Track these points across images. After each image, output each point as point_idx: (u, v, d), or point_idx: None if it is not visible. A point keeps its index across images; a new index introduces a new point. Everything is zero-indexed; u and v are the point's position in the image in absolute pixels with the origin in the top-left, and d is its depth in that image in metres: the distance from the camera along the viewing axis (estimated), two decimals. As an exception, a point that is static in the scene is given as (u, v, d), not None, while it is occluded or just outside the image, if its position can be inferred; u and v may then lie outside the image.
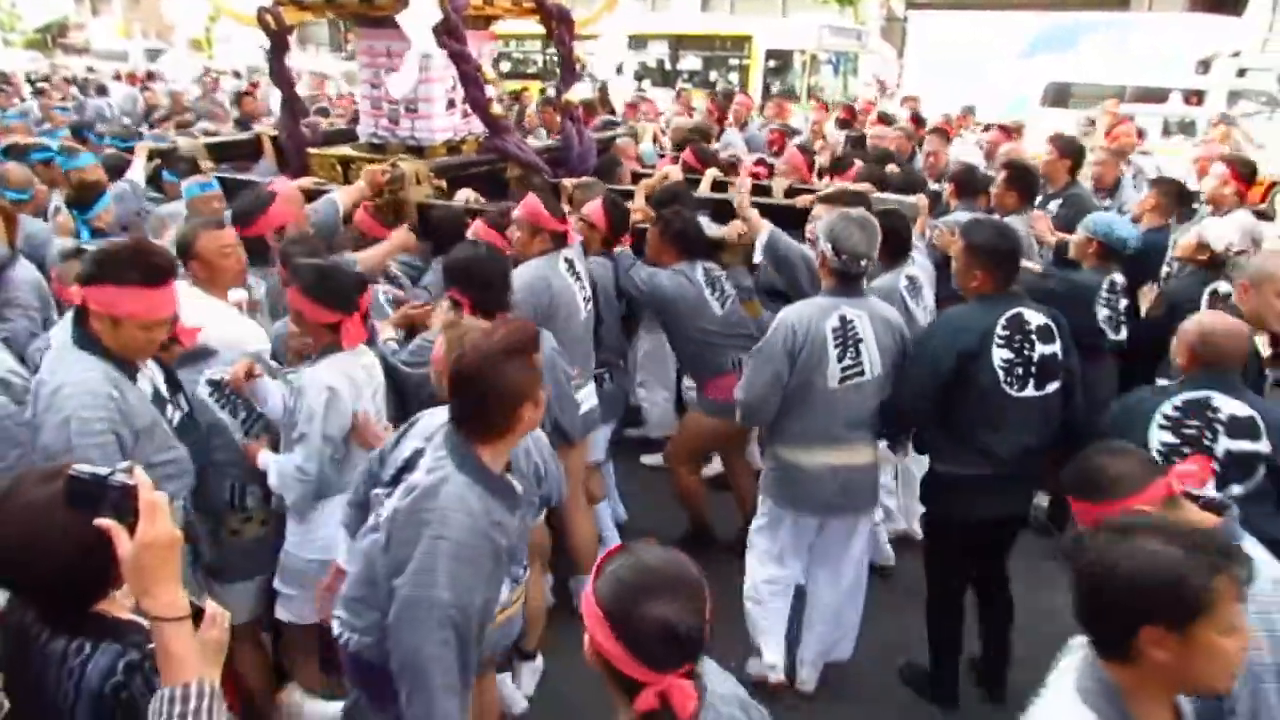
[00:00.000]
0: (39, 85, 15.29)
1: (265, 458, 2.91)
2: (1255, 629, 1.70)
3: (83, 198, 4.75)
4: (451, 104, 5.61)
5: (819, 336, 3.26)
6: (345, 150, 5.83)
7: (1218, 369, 2.85)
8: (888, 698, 3.71)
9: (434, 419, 2.35)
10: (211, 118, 8.92)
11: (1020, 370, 3.11)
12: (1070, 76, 17.26)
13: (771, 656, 3.59)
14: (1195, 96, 15.36)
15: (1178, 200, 5.06)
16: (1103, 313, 4.22)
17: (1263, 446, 2.70)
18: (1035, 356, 3.12)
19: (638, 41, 21.56)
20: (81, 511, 1.52)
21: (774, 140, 7.99)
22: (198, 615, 1.56)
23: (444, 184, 5.04)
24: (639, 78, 20.38)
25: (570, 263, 3.89)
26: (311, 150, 5.86)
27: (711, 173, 5.38)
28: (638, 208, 4.49)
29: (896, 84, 21.12)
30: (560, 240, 3.86)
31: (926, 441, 3.43)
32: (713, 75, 20.09)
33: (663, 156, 6.83)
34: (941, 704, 3.56)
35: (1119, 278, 4.27)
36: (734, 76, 19.69)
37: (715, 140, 7.69)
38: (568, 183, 5.07)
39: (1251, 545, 1.87)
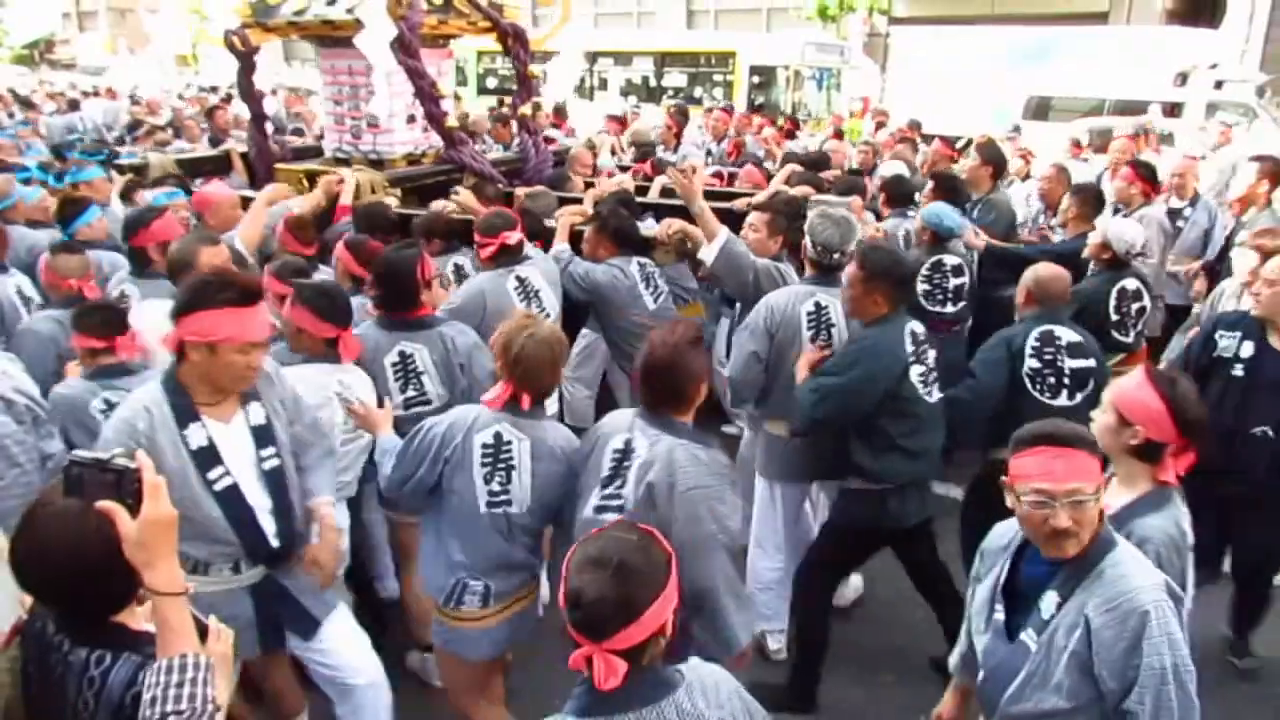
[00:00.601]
0: (27, 101, 15.30)
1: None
2: (1157, 633, 1.89)
3: (66, 213, 4.90)
4: (412, 119, 5.97)
5: (794, 318, 3.58)
6: (311, 165, 6.14)
7: (1050, 305, 3.66)
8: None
9: (611, 425, 2.71)
10: (185, 133, 8.98)
11: (930, 378, 3.41)
12: (1050, 90, 17.35)
13: (776, 644, 3.90)
14: (1174, 109, 15.49)
15: (1097, 207, 5.32)
16: (921, 287, 4.77)
17: (1092, 363, 3.51)
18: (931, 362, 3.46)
19: (623, 58, 21.75)
20: (81, 496, 1.62)
21: (731, 151, 8.39)
22: (203, 633, 1.66)
23: (399, 193, 5.37)
24: (624, 94, 20.56)
25: (522, 280, 4.08)
26: (279, 165, 6.17)
27: (660, 180, 5.70)
28: (579, 210, 4.79)
29: (880, 99, 21.26)
30: (514, 254, 4.10)
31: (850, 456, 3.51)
32: (698, 91, 20.32)
33: (624, 168, 7.19)
34: (801, 707, 3.59)
35: (947, 259, 4.83)
36: (719, 92, 19.86)
37: (672, 152, 7.86)
38: (520, 192, 5.37)
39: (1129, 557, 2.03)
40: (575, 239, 4.57)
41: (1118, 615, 1.91)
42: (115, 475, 1.62)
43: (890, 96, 20.91)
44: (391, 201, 5.18)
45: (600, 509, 2.56)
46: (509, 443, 2.69)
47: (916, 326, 3.41)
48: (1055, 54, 18.98)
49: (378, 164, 5.90)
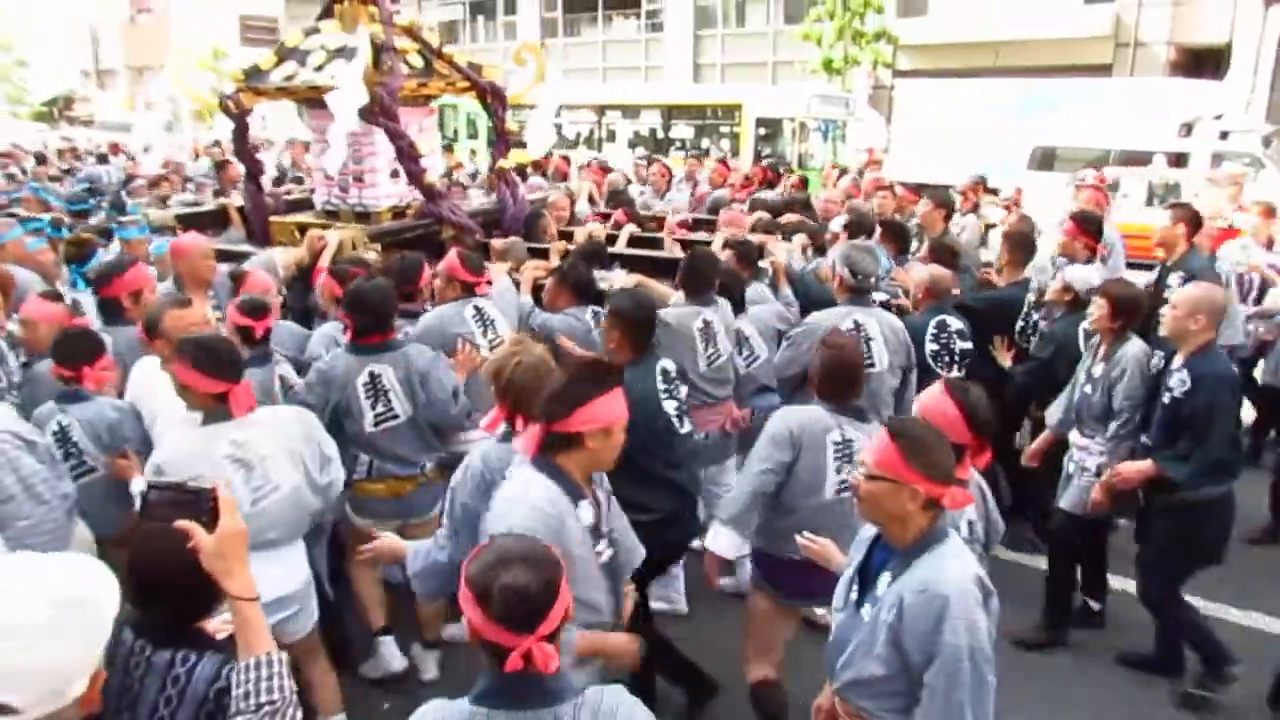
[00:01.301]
0: (38, 156, 15.82)
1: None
2: (957, 616, 2.16)
3: (79, 253, 5.53)
4: (395, 173, 6.33)
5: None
6: (302, 217, 6.55)
7: (941, 299, 4.86)
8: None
9: (809, 422, 3.26)
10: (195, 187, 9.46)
11: (683, 411, 3.71)
12: (1056, 141, 17.48)
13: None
14: (1179, 159, 15.56)
15: (1029, 254, 5.58)
16: (930, 347, 4.95)
17: (970, 345, 4.66)
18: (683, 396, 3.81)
19: (631, 111, 22.17)
20: (161, 518, 1.81)
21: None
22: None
23: (379, 248, 5.68)
24: (632, 145, 20.99)
25: (479, 310, 4.50)
26: (274, 218, 6.58)
27: (628, 229, 6.14)
28: (543, 265, 5.11)
29: (885, 150, 21.46)
30: (470, 290, 4.53)
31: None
32: (704, 143, 20.63)
33: (605, 215, 7.56)
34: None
35: (950, 321, 4.97)
36: (725, 144, 20.17)
37: (660, 199, 8.11)
38: (495, 243, 5.76)
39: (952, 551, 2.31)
40: (538, 290, 4.96)
41: (925, 597, 2.19)
42: (192, 496, 1.83)
43: (895, 147, 21.13)
44: (371, 256, 5.47)
45: (840, 491, 3.18)
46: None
47: (668, 364, 3.74)
48: (1060, 105, 19.20)
49: (364, 216, 6.28)
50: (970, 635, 2.16)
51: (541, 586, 1.76)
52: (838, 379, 3.31)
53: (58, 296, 4.39)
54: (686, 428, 3.70)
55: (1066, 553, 4.46)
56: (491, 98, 6.64)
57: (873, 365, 4.27)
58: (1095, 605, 4.59)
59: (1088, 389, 4.30)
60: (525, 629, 1.73)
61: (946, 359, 4.74)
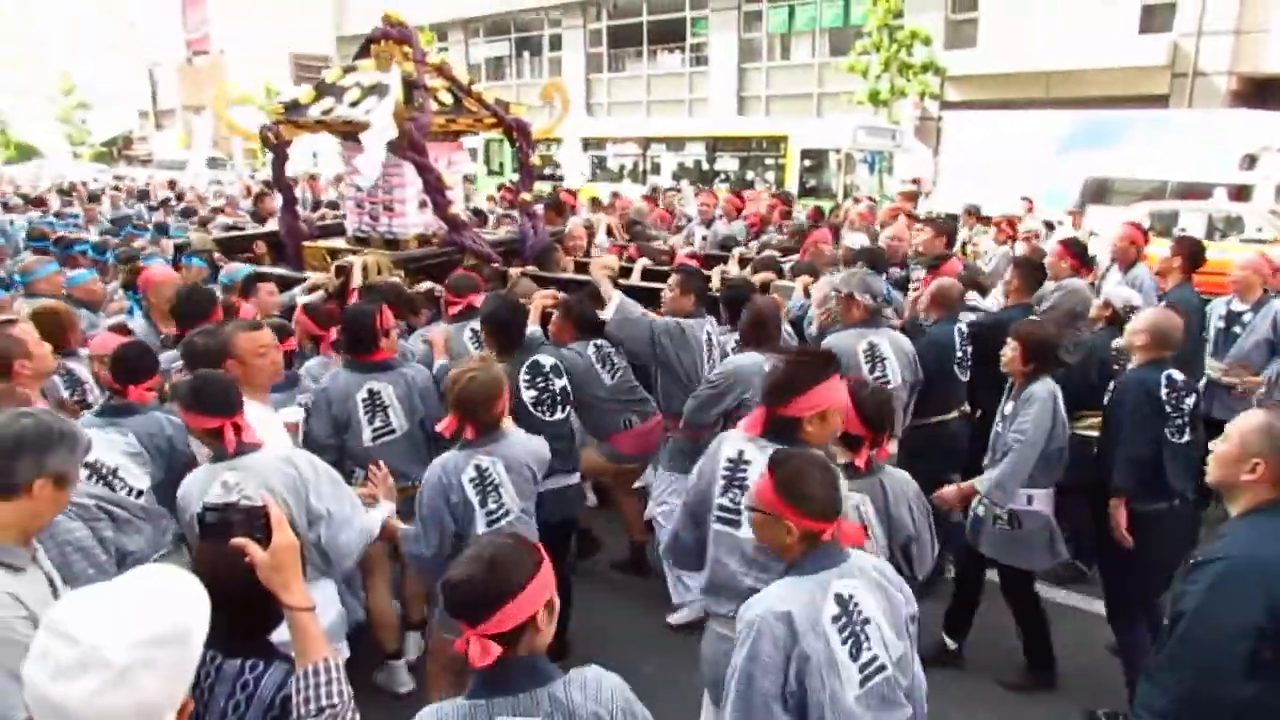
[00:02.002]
0: (95, 195, 16.75)
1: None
2: (743, 640, 2.31)
3: (133, 281, 5.95)
4: (423, 204, 6.74)
5: (854, 357, 4.63)
6: (334, 243, 7.05)
7: (952, 308, 5.15)
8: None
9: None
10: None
11: (548, 400, 4.32)
12: (1110, 173, 17.24)
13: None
14: (1240, 192, 15.24)
15: (1038, 280, 5.82)
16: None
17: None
18: (556, 389, 4.40)
19: (675, 143, 22.39)
20: (216, 537, 1.93)
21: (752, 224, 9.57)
22: None
23: (403, 273, 6.05)
24: (676, 178, 21.18)
25: (475, 332, 4.84)
26: (306, 243, 7.09)
27: (642, 262, 6.53)
28: (550, 294, 5.37)
29: (933, 182, 21.35)
30: (474, 312, 4.90)
31: None
32: (749, 175, 20.72)
33: (622, 248, 7.97)
34: None
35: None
36: (770, 175, 20.20)
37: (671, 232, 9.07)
38: (513, 271, 6.21)
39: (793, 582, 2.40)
40: (546, 320, 5.21)
41: (739, 623, 2.37)
42: (244, 514, 1.96)
43: (943, 179, 21.00)
44: (395, 278, 5.84)
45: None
46: (488, 469, 3.41)
47: (542, 358, 4.39)
48: (1114, 137, 18.88)
49: (392, 243, 6.71)
50: (746, 661, 2.27)
51: (491, 586, 1.88)
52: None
53: (127, 330, 4.66)
54: (552, 416, 4.38)
55: (1025, 594, 4.50)
56: (517, 134, 6.96)
57: (888, 382, 4.56)
58: (952, 645, 4.63)
59: (999, 427, 4.36)
60: (469, 621, 1.88)
61: (965, 364, 5.17)
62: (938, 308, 5.21)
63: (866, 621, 2.35)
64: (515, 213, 7.84)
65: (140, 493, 3.24)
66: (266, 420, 3.62)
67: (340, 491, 3.23)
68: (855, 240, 7.11)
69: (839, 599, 2.32)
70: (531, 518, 3.62)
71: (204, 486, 3.04)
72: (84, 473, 2.95)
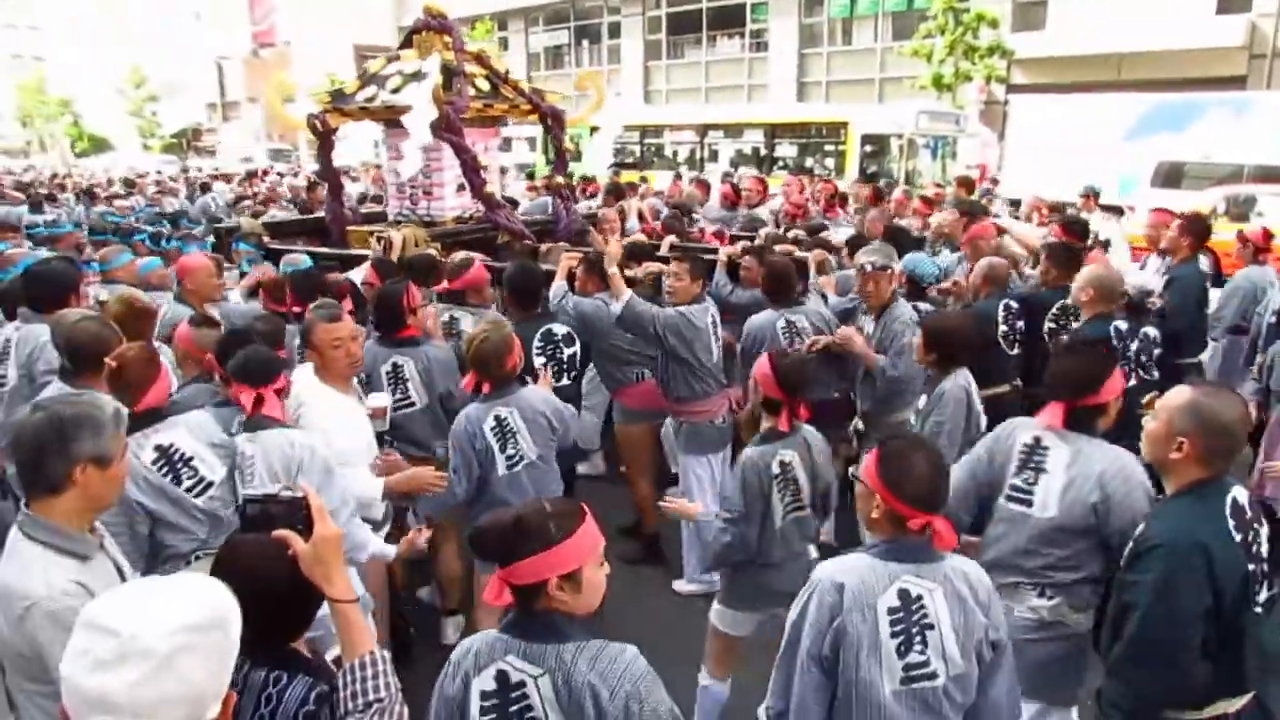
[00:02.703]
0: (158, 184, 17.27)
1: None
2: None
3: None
4: (461, 187, 7.20)
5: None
6: (376, 226, 7.46)
7: (1003, 286, 5.29)
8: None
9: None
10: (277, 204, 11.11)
11: (555, 367, 4.77)
12: (1183, 156, 16.82)
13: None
14: (1322, 175, 14.81)
15: (1068, 264, 5.81)
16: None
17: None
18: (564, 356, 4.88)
19: (733, 130, 22.45)
20: (258, 529, 1.93)
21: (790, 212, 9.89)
22: None
23: (439, 246, 6.45)
24: (735, 165, 21.32)
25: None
26: (351, 227, 7.57)
27: (670, 239, 6.89)
28: (574, 254, 5.73)
29: (998, 167, 21.00)
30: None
31: None
32: (808, 161, 20.63)
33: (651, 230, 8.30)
34: None
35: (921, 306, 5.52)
36: (830, 162, 20.12)
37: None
38: (542, 247, 6.62)
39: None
40: (573, 276, 5.57)
41: None
42: (285, 506, 1.96)
43: (1008, 165, 20.67)
44: (431, 252, 6.22)
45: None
46: (505, 418, 3.86)
47: (556, 326, 4.94)
48: (1189, 121, 18.41)
49: (430, 225, 7.12)
50: (797, 617, 2.49)
51: (513, 537, 2.00)
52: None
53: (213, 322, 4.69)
54: (562, 381, 4.79)
55: None
56: (552, 121, 7.37)
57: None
58: None
59: (913, 421, 4.45)
60: (499, 561, 2.03)
61: (1012, 338, 5.38)
62: (988, 285, 5.46)
63: (929, 627, 2.35)
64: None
65: (210, 484, 3.17)
66: (346, 409, 3.83)
67: (330, 482, 3.25)
68: (844, 233, 7.47)
69: (903, 594, 2.35)
70: (550, 465, 4.02)
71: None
72: (151, 455, 3.04)
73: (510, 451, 3.86)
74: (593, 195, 12.24)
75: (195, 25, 52.55)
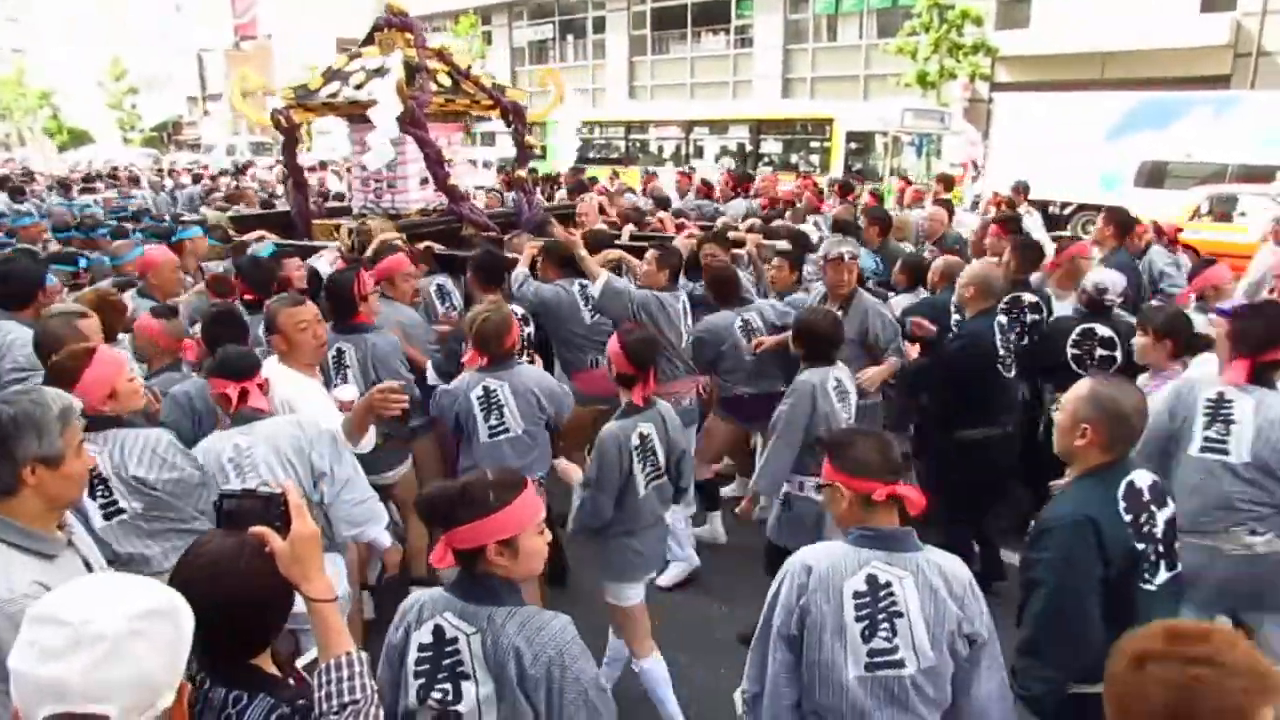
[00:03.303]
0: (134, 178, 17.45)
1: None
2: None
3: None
4: (424, 180, 7.37)
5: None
6: (340, 221, 7.60)
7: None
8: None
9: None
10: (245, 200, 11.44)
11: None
12: (1166, 155, 16.86)
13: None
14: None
15: (1036, 260, 6.17)
16: None
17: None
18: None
19: (719, 126, 22.53)
20: (234, 525, 1.91)
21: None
22: None
23: (404, 237, 6.59)
24: (719, 161, 21.51)
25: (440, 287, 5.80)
26: (316, 220, 7.71)
27: (629, 228, 7.22)
28: (536, 243, 6.00)
29: (982, 165, 21.04)
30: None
31: None
32: (793, 158, 20.69)
33: (612, 222, 8.57)
34: None
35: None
36: (815, 158, 20.20)
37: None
38: (506, 237, 6.73)
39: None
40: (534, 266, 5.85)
41: None
42: (262, 502, 1.93)
43: (993, 162, 20.75)
44: (397, 240, 6.35)
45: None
46: (494, 390, 4.18)
47: (516, 306, 5.19)
48: (1172, 119, 18.46)
49: (395, 218, 7.28)
50: (771, 596, 2.61)
51: (454, 503, 2.15)
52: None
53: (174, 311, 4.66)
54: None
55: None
56: (513, 115, 7.58)
57: None
58: None
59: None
60: (439, 526, 2.20)
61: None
62: (979, 298, 5.75)
63: (897, 614, 2.39)
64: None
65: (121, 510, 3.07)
66: (313, 391, 3.89)
67: (339, 452, 3.43)
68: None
69: (871, 579, 2.41)
70: (536, 441, 4.33)
71: (219, 450, 3.28)
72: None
73: (494, 422, 4.19)
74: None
75: (176, 17, 52.36)
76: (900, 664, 2.38)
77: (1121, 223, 6.88)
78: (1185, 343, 4.25)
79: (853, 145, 20.09)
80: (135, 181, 17.79)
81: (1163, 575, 2.75)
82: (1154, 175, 17.23)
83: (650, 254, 5.45)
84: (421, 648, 2.19)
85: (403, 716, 2.23)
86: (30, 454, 2.16)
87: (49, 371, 3.04)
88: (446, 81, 7.19)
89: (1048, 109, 20.38)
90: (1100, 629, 2.58)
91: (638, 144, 23.63)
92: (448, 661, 2.16)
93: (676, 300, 5.39)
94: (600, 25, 36.73)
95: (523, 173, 7.77)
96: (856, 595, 2.39)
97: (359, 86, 7.00)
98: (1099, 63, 23.58)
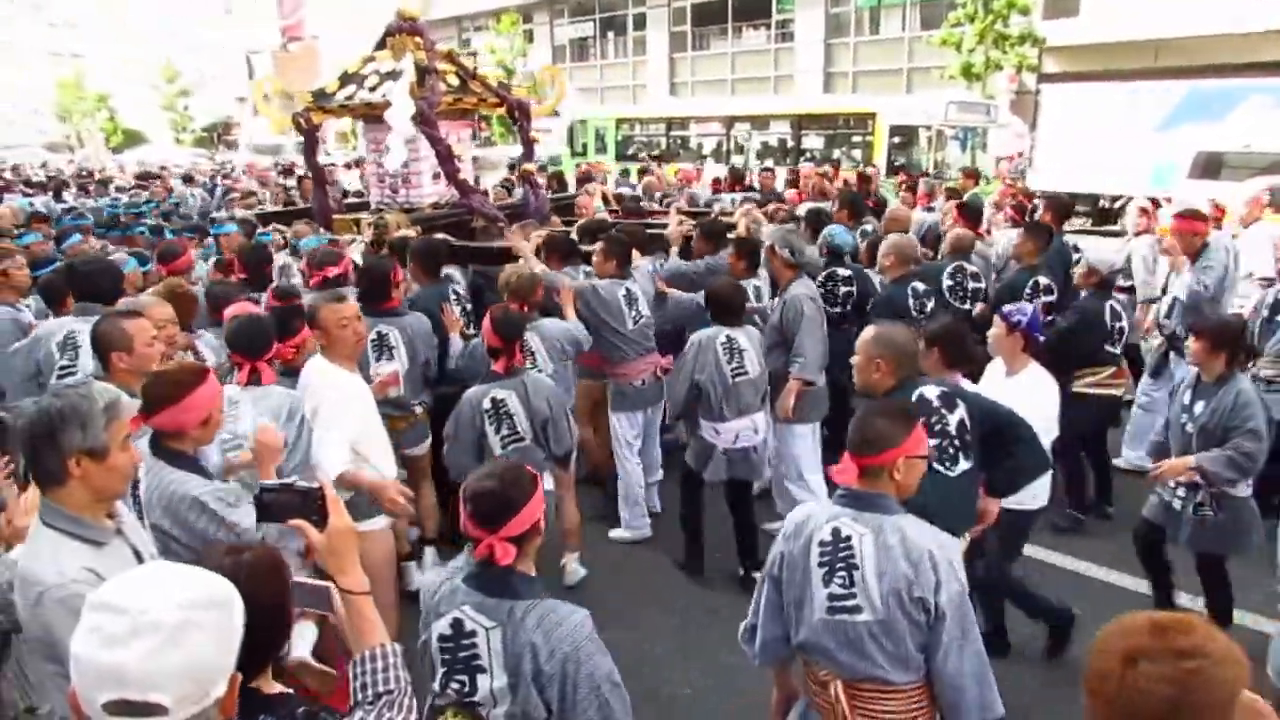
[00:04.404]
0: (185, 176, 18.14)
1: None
2: None
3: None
4: (436, 175, 7.88)
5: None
6: (359, 215, 8.21)
7: (965, 250, 6.19)
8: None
9: None
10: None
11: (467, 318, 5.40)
12: (1223, 145, 16.29)
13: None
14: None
15: (1047, 243, 6.65)
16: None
17: (981, 285, 5.93)
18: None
19: (760, 122, 22.32)
20: (273, 518, 2.00)
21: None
22: None
23: (418, 229, 7.07)
24: (760, 157, 21.48)
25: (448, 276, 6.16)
26: (336, 215, 8.27)
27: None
28: (541, 233, 6.53)
29: (1028, 158, 20.59)
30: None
31: None
32: (835, 153, 20.47)
33: (614, 212, 9.26)
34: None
35: (839, 270, 6.30)
36: (858, 153, 20.05)
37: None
38: (514, 226, 7.14)
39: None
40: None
41: None
42: (300, 496, 1.97)
43: (1040, 155, 20.26)
44: (411, 234, 6.84)
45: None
46: (502, 400, 4.37)
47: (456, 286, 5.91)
48: (1230, 108, 17.99)
49: (409, 211, 7.81)
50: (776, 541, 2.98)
51: (505, 498, 2.25)
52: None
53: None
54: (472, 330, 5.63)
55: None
56: (518, 113, 8.14)
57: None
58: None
59: None
60: (488, 527, 2.25)
61: (960, 295, 6.38)
62: (953, 250, 6.52)
63: (854, 566, 2.61)
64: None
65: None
66: (351, 385, 4.03)
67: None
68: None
69: (835, 531, 2.66)
70: (561, 377, 5.04)
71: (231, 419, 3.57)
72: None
73: (506, 431, 4.39)
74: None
75: (226, 20, 53.39)
76: (856, 609, 2.59)
77: (1059, 210, 7.69)
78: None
79: (896, 139, 19.95)
80: (190, 180, 18.63)
81: (962, 465, 3.44)
82: (1209, 166, 16.71)
83: (598, 246, 5.87)
84: (442, 639, 2.32)
85: (434, 705, 2.37)
86: (75, 446, 2.25)
87: (146, 388, 2.99)
88: (455, 82, 7.69)
89: (1098, 99, 20.03)
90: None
91: (678, 140, 23.67)
92: (464, 654, 2.29)
93: (620, 288, 5.70)
94: (641, 22, 37.09)
95: (529, 166, 8.27)
96: (821, 544, 2.66)
97: (373, 89, 7.49)
98: (1152, 51, 23.09)
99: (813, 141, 21.62)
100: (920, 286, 5.87)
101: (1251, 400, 4.12)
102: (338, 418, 3.82)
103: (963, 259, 6.53)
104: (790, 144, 21.75)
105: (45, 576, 2.21)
